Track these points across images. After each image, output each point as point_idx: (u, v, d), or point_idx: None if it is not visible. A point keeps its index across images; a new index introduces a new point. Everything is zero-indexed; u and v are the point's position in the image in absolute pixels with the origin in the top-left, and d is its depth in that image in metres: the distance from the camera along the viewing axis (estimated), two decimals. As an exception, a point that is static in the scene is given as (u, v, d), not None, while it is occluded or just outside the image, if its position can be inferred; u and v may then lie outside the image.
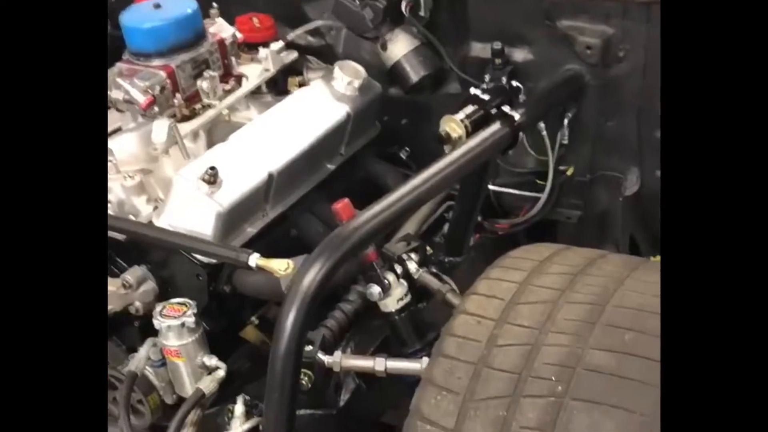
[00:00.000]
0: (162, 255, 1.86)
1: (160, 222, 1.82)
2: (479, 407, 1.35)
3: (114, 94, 1.94)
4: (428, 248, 1.94)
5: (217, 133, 2.04)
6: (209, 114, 1.94)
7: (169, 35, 1.95)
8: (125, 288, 1.87)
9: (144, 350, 1.80)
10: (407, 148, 2.39)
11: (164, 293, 1.89)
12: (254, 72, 2.10)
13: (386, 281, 1.70)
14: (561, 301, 1.46)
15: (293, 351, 1.54)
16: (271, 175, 1.87)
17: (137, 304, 1.89)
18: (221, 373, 1.74)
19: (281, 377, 1.55)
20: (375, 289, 1.69)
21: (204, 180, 1.74)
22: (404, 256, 1.81)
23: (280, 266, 1.60)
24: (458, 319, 1.48)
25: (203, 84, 1.96)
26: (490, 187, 2.24)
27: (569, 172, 2.17)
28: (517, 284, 1.52)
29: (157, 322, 1.74)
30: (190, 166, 1.81)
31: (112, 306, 1.90)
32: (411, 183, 1.71)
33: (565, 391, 1.31)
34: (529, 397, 1.33)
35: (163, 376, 1.82)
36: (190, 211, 1.77)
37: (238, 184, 1.81)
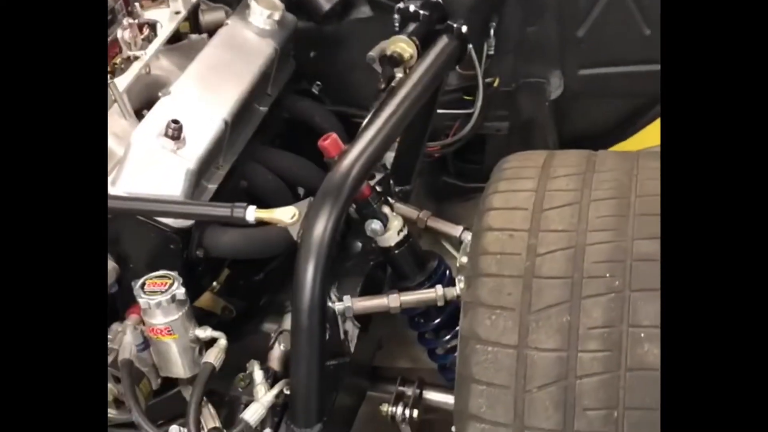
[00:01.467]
0: (118, 228, 1.66)
1: (117, 189, 1.61)
2: (540, 318, 1.33)
3: (23, 56, 1.67)
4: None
5: (134, 87, 1.83)
6: (137, 66, 1.73)
7: (74, -17, 1.70)
8: (83, 273, 1.65)
9: (129, 335, 1.61)
10: (318, 83, 2.27)
11: (125, 271, 1.70)
12: (163, 17, 1.89)
13: (384, 215, 1.62)
14: (584, 201, 1.46)
15: (318, 303, 1.45)
16: (226, 123, 1.71)
17: (98, 288, 1.68)
18: (223, 341, 1.60)
19: (308, 332, 1.46)
20: (376, 225, 1.61)
21: (168, 136, 1.56)
22: (371, 189, 1.74)
23: (286, 215, 1.48)
24: (487, 237, 1.45)
25: (125, 34, 1.74)
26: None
27: (495, 84, 2.17)
28: (533, 192, 1.50)
29: (144, 301, 1.55)
30: (144, 123, 1.61)
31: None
32: (385, 112, 1.65)
33: (623, 284, 1.32)
34: (590, 298, 1.33)
35: (147, 360, 1.64)
36: (153, 172, 1.58)
37: (198, 136, 1.64)
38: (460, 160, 2.37)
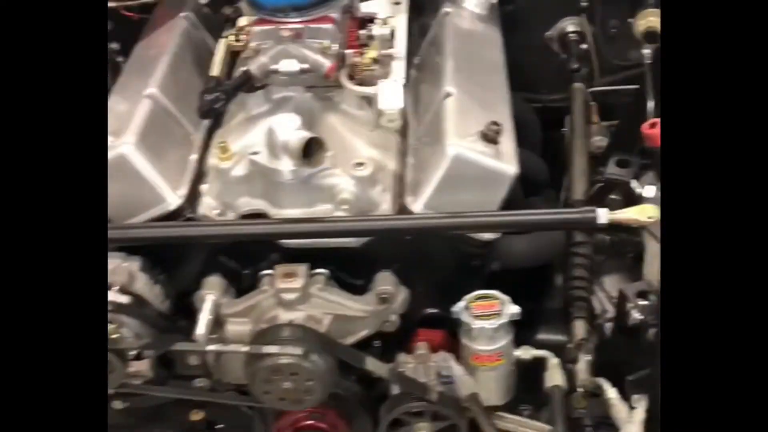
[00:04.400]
0: (409, 250, 1.49)
1: (417, 206, 1.44)
2: None
3: (284, 65, 1.47)
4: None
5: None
6: (400, 66, 1.54)
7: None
8: (384, 302, 1.48)
9: (456, 367, 1.45)
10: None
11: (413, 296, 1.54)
12: (377, 7, 1.69)
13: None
14: None
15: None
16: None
17: (393, 318, 1.51)
18: (555, 360, 1.46)
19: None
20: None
21: (488, 140, 1.39)
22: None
23: (643, 214, 1.34)
24: None
25: (384, 31, 1.55)
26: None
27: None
28: None
29: (479, 327, 1.40)
30: (451, 130, 1.43)
31: (368, 329, 1.50)
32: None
33: None
34: None
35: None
36: (470, 183, 1.41)
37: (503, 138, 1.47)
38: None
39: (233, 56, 1.66)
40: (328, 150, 1.40)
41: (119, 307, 1.37)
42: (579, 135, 1.90)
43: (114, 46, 1.96)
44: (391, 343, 1.57)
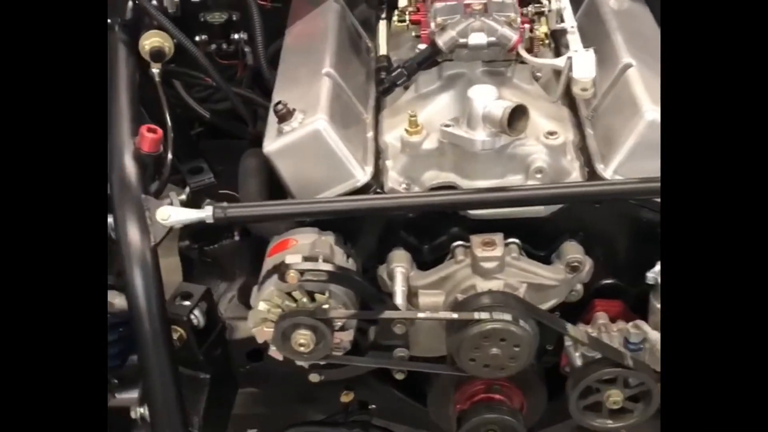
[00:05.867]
0: (589, 220, 1.52)
1: (608, 173, 1.47)
2: None
3: (473, 38, 1.49)
4: None
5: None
6: (575, 39, 1.56)
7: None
8: (574, 271, 1.49)
9: (654, 333, 1.47)
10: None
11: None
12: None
13: None
14: None
15: None
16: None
17: (579, 287, 1.53)
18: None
19: None
20: None
21: (678, 109, 1.42)
22: None
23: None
24: None
25: (560, 6, 1.57)
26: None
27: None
28: None
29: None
30: (644, 98, 1.45)
31: (557, 298, 1.52)
32: None
33: None
34: None
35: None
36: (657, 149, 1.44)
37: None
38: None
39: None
40: (529, 117, 1.41)
41: (331, 276, 1.38)
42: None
43: (242, 36, 2.00)
44: (566, 313, 1.59)
